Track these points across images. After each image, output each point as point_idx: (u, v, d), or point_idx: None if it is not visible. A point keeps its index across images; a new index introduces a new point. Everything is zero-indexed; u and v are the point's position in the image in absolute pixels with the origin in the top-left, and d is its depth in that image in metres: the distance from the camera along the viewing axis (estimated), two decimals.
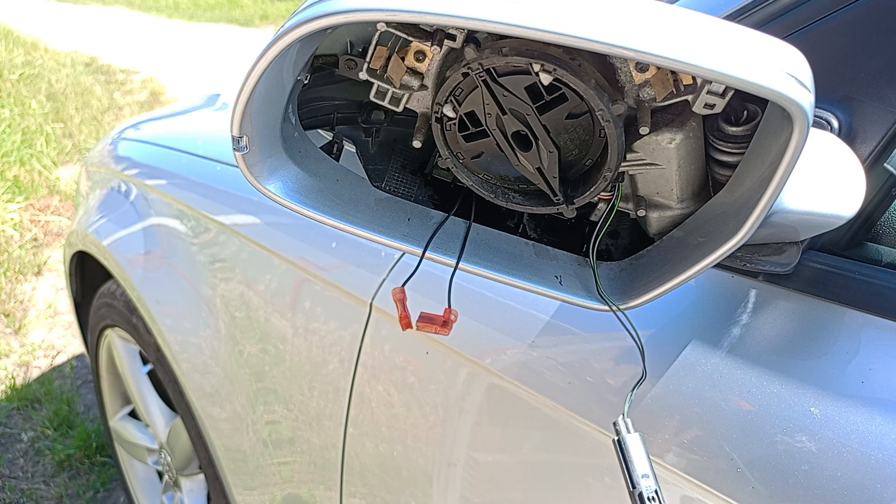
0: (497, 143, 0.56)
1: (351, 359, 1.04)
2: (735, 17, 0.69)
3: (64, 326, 3.05)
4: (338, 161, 0.63)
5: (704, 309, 0.69)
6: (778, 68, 0.42)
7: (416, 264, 0.60)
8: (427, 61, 0.54)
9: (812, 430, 0.57)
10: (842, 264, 0.64)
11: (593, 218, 0.63)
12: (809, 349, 0.62)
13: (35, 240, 3.73)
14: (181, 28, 8.78)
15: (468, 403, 0.87)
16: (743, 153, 0.54)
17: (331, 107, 0.62)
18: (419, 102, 0.59)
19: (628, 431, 0.55)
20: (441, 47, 0.53)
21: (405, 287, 0.60)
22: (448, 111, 0.55)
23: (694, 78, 0.51)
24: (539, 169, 0.56)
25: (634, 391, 0.58)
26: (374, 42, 0.55)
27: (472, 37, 0.53)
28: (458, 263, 0.60)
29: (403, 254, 0.96)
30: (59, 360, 2.88)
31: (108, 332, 1.93)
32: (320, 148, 0.62)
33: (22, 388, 2.70)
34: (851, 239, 0.66)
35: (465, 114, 0.56)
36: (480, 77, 0.53)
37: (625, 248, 0.65)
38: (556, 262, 0.62)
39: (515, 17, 0.41)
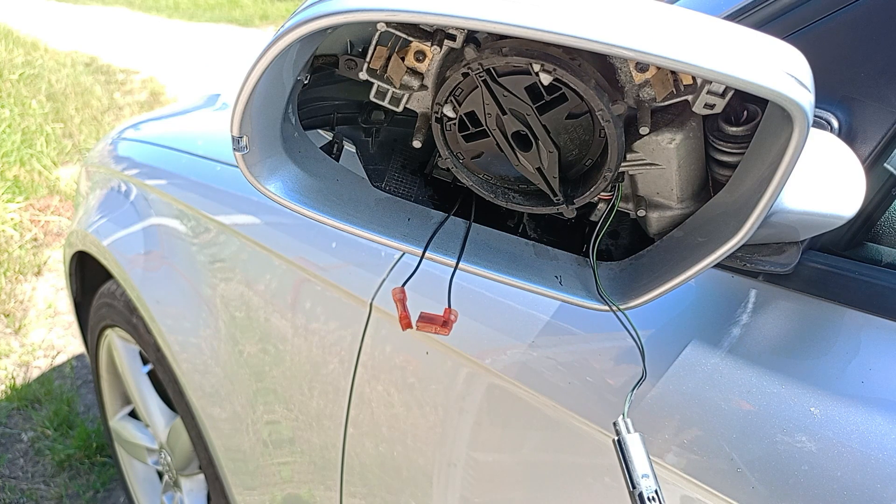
0: (497, 144, 0.56)
1: (351, 359, 1.04)
2: (735, 17, 0.69)
3: (64, 326, 3.05)
4: (338, 161, 0.63)
5: (704, 309, 0.69)
6: (778, 68, 0.42)
7: (416, 264, 0.60)
8: (427, 61, 0.54)
9: (812, 430, 0.57)
10: (842, 264, 0.64)
11: (593, 218, 0.63)
12: (809, 349, 0.62)
13: (35, 240, 3.73)
14: (181, 28, 8.78)
15: (468, 403, 0.87)
16: (743, 153, 0.54)
17: (331, 107, 0.62)
18: (419, 102, 0.58)
19: (628, 431, 0.55)
20: (441, 47, 0.53)
21: (405, 287, 0.60)
22: (448, 111, 0.55)
23: (694, 78, 0.51)
24: (539, 169, 0.56)
25: (634, 391, 0.58)
26: (374, 42, 0.55)
27: (472, 37, 0.53)
28: (457, 263, 0.60)
29: (403, 254, 0.96)
30: (59, 360, 2.88)
31: (108, 332, 1.93)
32: (320, 148, 0.62)
33: (22, 388, 2.70)
34: (851, 239, 0.66)
35: (465, 114, 0.56)
36: (480, 77, 0.53)
37: (625, 248, 0.65)
38: (556, 262, 0.62)
39: (515, 17, 0.41)
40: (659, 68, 0.51)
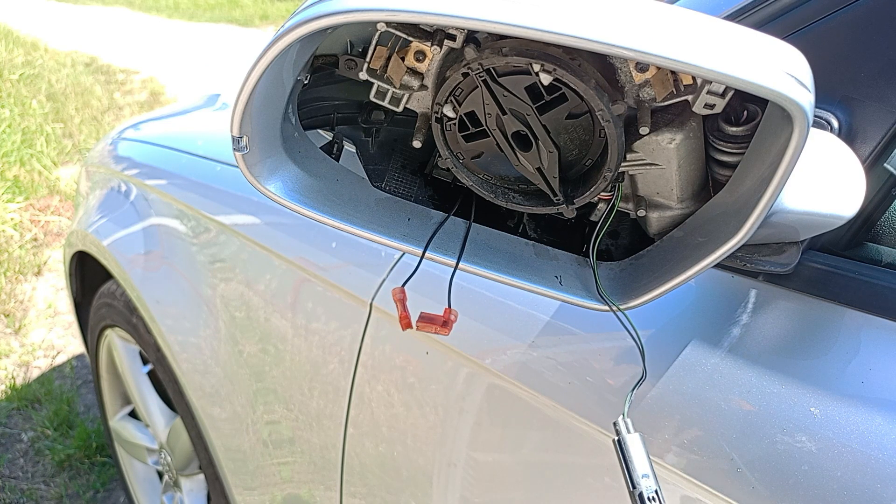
0: (497, 144, 0.56)
1: (351, 359, 1.04)
2: (735, 17, 0.69)
3: (64, 326, 3.05)
4: (338, 161, 0.63)
5: (704, 309, 0.69)
6: (778, 68, 0.42)
7: (416, 264, 0.60)
8: (427, 61, 0.54)
9: (812, 430, 0.57)
10: (842, 264, 0.64)
11: (593, 218, 0.63)
12: (809, 349, 0.62)
13: (35, 240, 3.73)
14: (181, 28, 8.78)
15: (468, 403, 0.87)
16: (743, 153, 0.54)
17: (331, 107, 0.62)
18: (419, 102, 0.58)
19: (628, 431, 0.55)
20: (441, 47, 0.53)
21: (405, 287, 0.60)
22: (448, 111, 0.55)
23: (694, 78, 0.51)
24: (539, 169, 0.56)
25: (634, 391, 0.58)
26: (374, 42, 0.55)
27: (472, 37, 0.53)
28: (458, 263, 0.60)
29: (403, 254, 0.96)
30: (59, 360, 2.88)
31: (108, 332, 1.93)
32: (320, 148, 0.62)
33: (22, 388, 2.70)
34: (851, 239, 0.66)
35: (465, 114, 0.56)
36: (480, 77, 0.53)
37: (625, 248, 0.64)
38: (556, 262, 0.62)
39: (515, 17, 0.41)
40: (659, 68, 0.51)
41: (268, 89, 0.51)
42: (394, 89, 0.56)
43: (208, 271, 1.41)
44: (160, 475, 1.97)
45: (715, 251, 0.52)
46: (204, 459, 1.56)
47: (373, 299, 1.00)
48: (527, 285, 0.61)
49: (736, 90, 0.49)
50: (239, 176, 0.57)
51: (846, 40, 0.64)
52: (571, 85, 0.51)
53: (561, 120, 0.55)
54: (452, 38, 0.53)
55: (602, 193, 0.57)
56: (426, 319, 0.58)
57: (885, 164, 0.63)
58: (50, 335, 3.02)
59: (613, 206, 0.59)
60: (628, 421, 0.56)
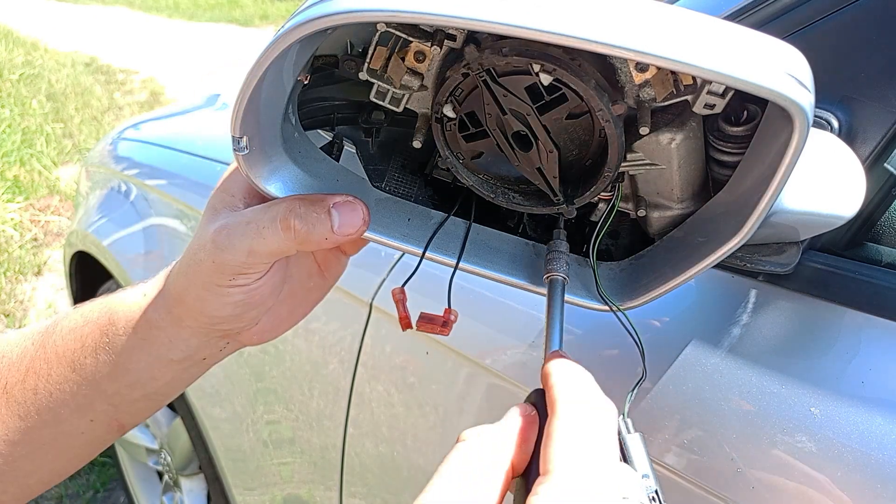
0: (497, 144, 0.56)
1: (351, 359, 1.04)
2: (735, 17, 0.69)
3: None
4: (338, 161, 0.63)
5: (704, 309, 0.69)
6: (778, 68, 0.42)
7: (415, 265, 0.60)
8: (427, 62, 0.54)
9: (812, 430, 0.57)
10: (842, 264, 0.64)
11: (593, 218, 0.63)
12: (809, 349, 0.62)
13: (35, 240, 3.73)
14: (181, 28, 8.79)
15: (468, 403, 0.87)
16: (743, 153, 0.54)
17: (331, 107, 0.62)
18: (419, 103, 0.59)
19: (628, 431, 0.55)
20: (441, 48, 0.53)
21: (405, 287, 0.60)
22: (448, 111, 0.55)
23: (694, 78, 0.51)
24: (539, 169, 0.56)
25: (634, 391, 0.58)
26: (374, 42, 0.55)
27: (472, 37, 0.53)
28: (457, 264, 0.60)
29: (403, 254, 0.96)
30: None
31: None
32: (320, 148, 0.62)
33: None
34: (851, 239, 0.66)
35: (465, 114, 0.56)
36: (480, 77, 0.53)
37: (625, 248, 0.65)
38: None
39: (515, 17, 0.41)
40: (659, 69, 0.51)
41: (268, 90, 0.51)
42: (394, 89, 0.56)
43: None
44: (160, 475, 1.97)
45: (715, 251, 0.52)
46: (204, 459, 1.56)
47: (373, 299, 1.00)
48: (527, 285, 0.61)
49: (736, 90, 0.49)
50: None
51: (846, 40, 0.64)
52: (571, 85, 0.51)
53: (561, 120, 0.55)
54: (452, 38, 0.53)
55: (602, 193, 0.57)
56: (426, 320, 0.58)
57: (885, 164, 0.63)
58: None
59: (613, 206, 0.59)
60: (628, 421, 0.56)
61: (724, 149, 0.54)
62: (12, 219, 3.81)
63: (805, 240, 0.62)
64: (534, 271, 0.61)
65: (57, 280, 3.39)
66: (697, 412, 0.63)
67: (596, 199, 0.60)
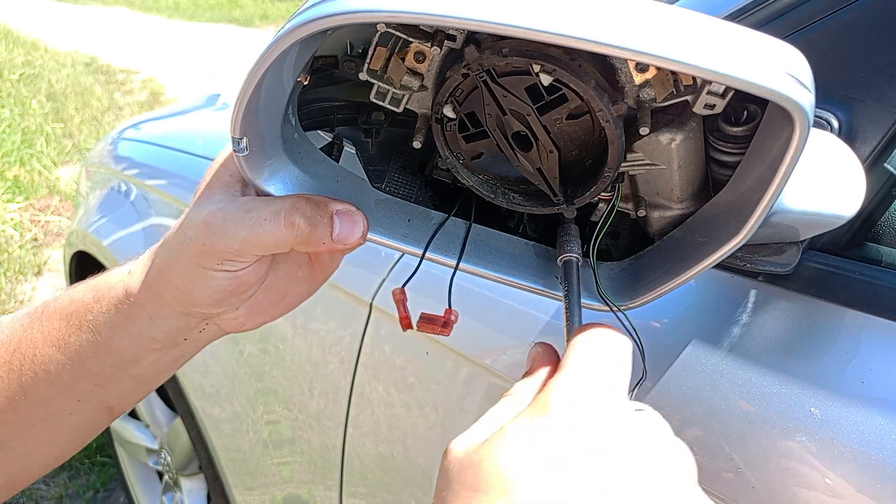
0: (497, 144, 0.56)
1: (351, 359, 1.04)
2: (735, 17, 0.69)
3: None
4: (338, 162, 0.63)
5: (704, 309, 0.69)
6: (778, 68, 0.42)
7: (416, 265, 0.60)
8: (427, 62, 0.54)
9: (812, 430, 0.57)
10: (842, 264, 0.64)
11: (594, 218, 0.63)
12: (809, 349, 0.62)
13: (35, 240, 3.73)
14: (181, 28, 8.78)
15: (468, 403, 0.87)
16: (743, 153, 0.54)
17: (331, 108, 0.62)
18: (419, 103, 0.59)
19: None
20: (441, 48, 0.53)
21: (405, 288, 0.60)
22: (448, 112, 0.55)
23: (694, 78, 0.51)
24: (539, 169, 0.56)
25: (635, 391, 0.58)
26: (374, 43, 0.55)
27: (472, 37, 0.53)
28: (458, 264, 0.60)
29: (403, 254, 0.96)
30: None
31: None
32: (320, 149, 0.62)
33: None
34: (851, 239, 0.66)
35: (465, 114, 0.56)
36: (480, 78, 0.53)
37: (625, 248, 0.64)
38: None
39: (515, 17, 0.41)
40: (659, 69, 0.51)
41: (268, 90, 0.51)
42: (394, 90, 0.56)
43: None
44: (160, 475, 1.97)
45: (715, 251, 0.52)
46: (204, 459, 1.56)
47: (373, 299, 1.00)
48: (527, 285, 0.61)
49: (736, 90, 0.49)
50: None
51: (846, 40, 0.64)
52: (571, 85, 0.51)
53: (561, 120, 0.55)
54: (452, 38, 0.53)
55: (602, 194, 0.57)
56: (426, 320, 0.58)
57: (885, 164, 0.63)
58: None
59: (613, 206, 0.59)
60: None
61: (725, 149, 0.54)
62: (12, 219, 3.81)
63: (805, 240, 0.62)
64: (534, 271, 0.61)
65: (57, 280, 3.39)
66: (697, 412, 0.63)
67: (596, 199, 0.60)
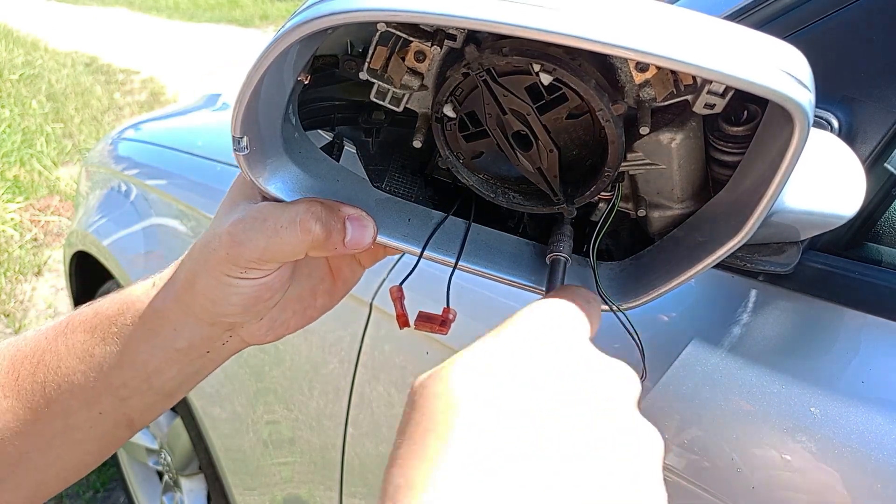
0: (497, 144, 0.56)
1: (351, 359, 1.04)
2: (735, 17, 0.69)
3: None
4: (338, 161, 0.63)
5: (704, 309, 0.69)
6: (778, 68, 0.42)
7: (413, 263, 0.60)
8: (427, 61, 0.54)
9: (812, 430, 0.57)
10: (842, 264, 0.64)
11: (593, 218, 0.63)
12: (809, 349, 0.62)
13: (35, 240, 3.73)
14: (181, 28, 8.79)
15: None
16: (743, 153, 0.54)
17: (331, 107, 0.62)
18: (419, 102, 0.59)
19: None
20: (441, 47, 0.53)
21: (403, 286, 0.60)
22: (448, 111, 0.55)
23: (694, 78, 0.51)
24: (539, 169, 0.56)
25: None
26: (374, 42, 0.55)
27: (472, 37, 0.53)
28: (457, 263, 0.60)
29: (403, 254, 0.96)
30: None
31: None
32: (320, 148, 0.62)
33: None
34: (851, 239, 0.66)
35: (465, 114, 0.56)
36: (481, 77, 0.53)
37: (625, 248, 0.64)
38: None
39: (516, 16, 0.41)
40: (659, 68, 0.51)
41: (268, 90, 0.51)
42: (394, 89, 0.56)
43: None
44: (160, 475, 1.97)
45: (715, 251, 0.52)
46: (204, 459, 1.56)
47: (373, 299, 1.00)
48: (526, 285, 0.61)
49: (736, 90, 0.49)
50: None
51: (846, 40, 0.64)
52: (571, 85, 0.51)
53: (561, 120, 0.55)
54: (453, 38, 0.53)
55: (602, 193, 0.57)
56: (424, 318, 0.58)
57: (885, 164, 0.63)
58: None
59: (613, 205, 0.59)
60: None
61: (725, 149, 0.54)
62: (12, 219, 3.81)
63: (805, 240, 0.62)
64: (534, 271, 0.61)
65: (57, 280, 3.39)
66: (697, 412, 0.63)
67: (596, 199, 0.60)
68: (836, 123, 0.63)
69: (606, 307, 0.59)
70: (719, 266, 0.58)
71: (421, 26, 0.53)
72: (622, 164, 0.55)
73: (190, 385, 0.64)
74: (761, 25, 0.67)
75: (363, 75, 0.56)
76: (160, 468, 1.89)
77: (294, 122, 0.59)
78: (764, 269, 0.62)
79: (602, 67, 0.52)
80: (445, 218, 0.62)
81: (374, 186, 0.62)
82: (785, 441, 0.58)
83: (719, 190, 0.56)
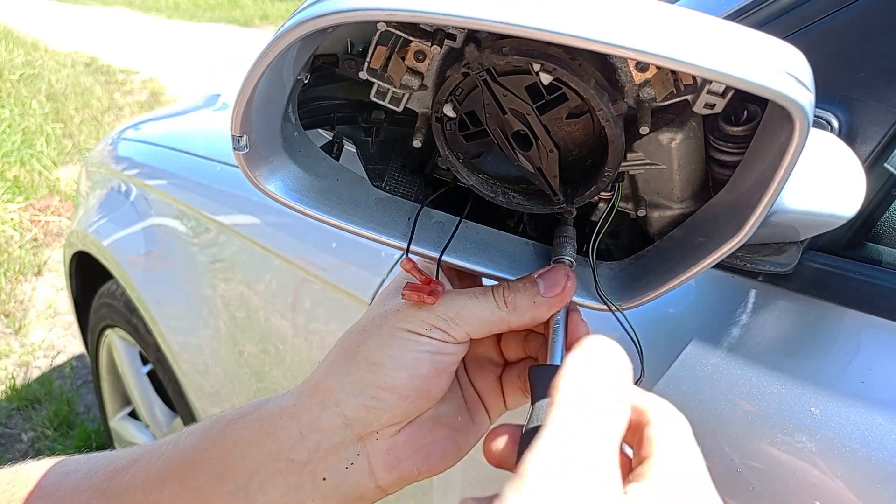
0: (497, 143, 0.56)
1: None
2: (735, 17, 0.69)
3: (64, 326, 3.05)
4: (338, 161, 0.63)
5: (704, 309, 0.69)
6: (778, 68, 0.42)
7: (416, 262, 0.60)
8: (427, 61, 0.54)
9: (812, 430, 0.57)
10: (842, 264, 0.64)
11: (593, 218, 0.63)
12: (809, 349, 0.62)
13: (35, 240, 3.73)
14: (181, 28, 8.79)
15: None
16: (743, 153, 0.54)
17: (331, 106, 0.62)
18: (419, 102, 0.59)
19: None
20: (441, 47, 0.53)
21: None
22: (448, 111, 0.55)
23: (694, 78, 0.51)
24: (539, 169, 0.56)
25: None
26: (374, 42, 0.55)
27: (472, 36, 0.53)
28: (440, 257, 0.59)
29: (403, 253, 0.96)
30: (59, 360, 2.88)
31: (108, 332, 1.93)
32: (320, 147, 0.62)
33: (22, 389, 2.70)
34: (851, 239, 0.66)
35: (465, 113, 0.56)
36: (480, 77, 0.53)
37: (625, 248, 0.64)
38: None
39: (516, 16, 0.41)
40: (659, 68, 0.51)
41: (268, 89, 0.51)
42: (394, 89, 0.56)
43: (208, 271, 1.42)
44: None
45: (715, 251, 0.52)
46: None
47: (373, 299, 1.00)
48: None
49: (736, 90, 0.49)
50: (239, 176, 0.57)
51: (846, 40, 0.64)
52: (571, 84, 0.51)
53: (561, 120, 0.55)
54: (453, 37, 0.53)
55: (602, 193, 0.57)
56: (413, 289, 0.56)
57: (885, 164, 0.63)
58: (50, 335, 3.02)
59: (613, 205, 0.59)
60: None
61: (725, 149, 0.54)
62: (12, 219, 3.81)
63: (805, 240, 0.62)
64: (533, 270, 0.61)
65: (57, 280, 3.39)
66: (697, 412, 0.63)
67: (596, 198, 0.60)
68: (836, 123, 0.63)
69: (605, 307, 0.59)
70: (719, 266, 0.58)
71: (421, 26, 0.53)
72: (622, 164, 0.55)
73: None
74: (761, 25, 0.67)
75: (363, 75, 0.56)
76: None
77: (294, 121, 0.59)
78: (764, 269, 0.62)
79: (602, 67, 0.52)
80: (419, 210, 0.61)
81: (374, 186, 0.62)
82: (785, 441, 0.58)
83: (719, 190, 0.56)
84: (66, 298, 2.93)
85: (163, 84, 6.45)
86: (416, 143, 0.58)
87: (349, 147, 0.64)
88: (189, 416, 1.56)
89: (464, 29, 0.52)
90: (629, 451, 0.43)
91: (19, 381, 2.71)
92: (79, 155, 4.74)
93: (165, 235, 1.56)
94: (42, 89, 5.96)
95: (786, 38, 0.61)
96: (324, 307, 1.12)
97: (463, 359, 0.58)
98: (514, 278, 0.58)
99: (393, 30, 0.53)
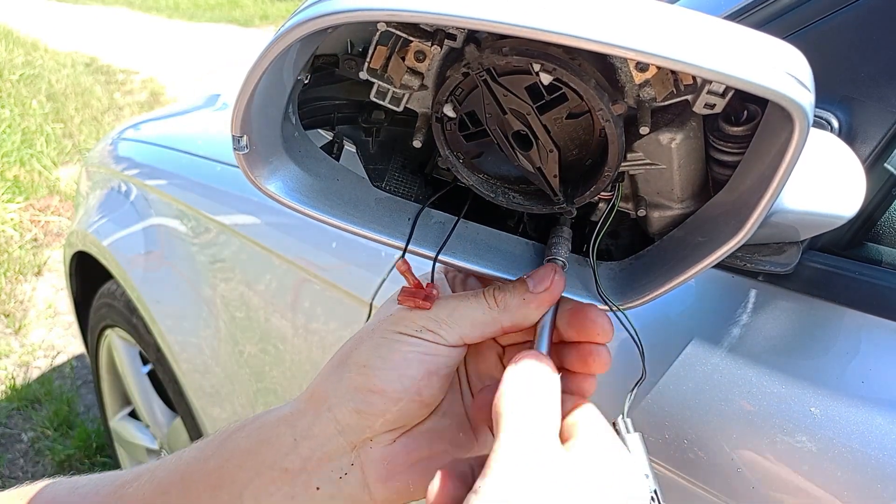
0: (497, 143, 0.56)
1: None
2: (735, 17, 0.69)
3: (64, 326, 3.05)
4: (338, 161, 0.63)
5: (704, 309, 0.69)
6: (778, 68, 0.42)
7: (418, 263, 0.60)
8: (427, 61, 0.54)
9: (812, 430, 0.57)
10: (842, 264, 0.64)
11: (593, 218, 0.63)
12: (809, 349, 0.62)
13: (35, 240, 3.73)
14: (181, 28, 8.79)
15: None
16: (743, 153, 0.54)
17: (331, 106, 0.62)
18: (419, 102, 0.59)
19: (628, 431, 0.55)
20: (441, 47, 0.53)
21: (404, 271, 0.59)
22: (448, 111, 0.55)
23: (694, 78, 0.51)
24: (539, 169, 0.56)
25: (634, 391, 0.58)
26: (374, 42, 0.55)
27: (472, 36, 0.53)
28: (437, 256, 0.59)
29: (403, 253, 0.96)
30: (59, 360, 2.88)
31: (108, 332, 1.93)
32: (320, 148, 0.62)
33: (22, 389, 2.70)
34: (851, 239, 0.66)
35: (465, 113, 0.56)
36: (481, 77, 0.53)
37: (625, 248, 0.64)
38: None
39: (516, 16, 0.41)
40: (659, 68, 0.51)
41: (268, 89, 0.51)
42: (394, 89, 0.56)
43: (208, 271, 1.42)
44: None
45: (715, 251, 0.52)
46: None
47: (373, 299, 1.00)
48: None
49: (736, 90, 0.49)
50: (239, 176, 0.57)
51: (846, 40, 0.64)
52: (571, 85, 0.51)
53: (561, 120, 0.55)
54: (453, 37, 0.53)
55: (602, 193, 0.57)
56: (409, 294, 0.57)
57: (885, 164, 0.63)
58: (50, 335, 3.02)
59: (613, 205, 0.59)
60: (628, 421, 0.56)
61: (725, 149, 0.54)
62: (12, 219, 3.81)
63: (805, 240, 0.62)
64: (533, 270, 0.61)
65: (57, 280, 3.39)
66: (697, 412, 0.63)
67: (596, 198, 0.60)
68: (836, 123, 0.63)
69: (606, 307, 0.59)
70: (719, 266, 0.58)
71: (421, 26, 0.53)
72: (622, 164, 0.55)
73: None
74: (761, 25, 0.67)
75: (363, 75, 0.56)
76: None
77: (294, 121, 0.59)
78: (764, 269, 0.62)
79: (602, 67, 0.52)
80: (421, 211, 0.61)
81: (374, 186, 0.62)
82: (785, 441, 0.58)
83: (719, 190, 0.56)
84: (66, 298, 2.93)
85: (163, 84, 6.45)
86: (417, 144, 0.58)
87: (349, 147, 0.64)
88: (189, 416, 1.56)
89: (464, 29, 0.52)
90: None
91: (19, 381, 2.71)
92: (79, 155, 4.74)
93: (165, 235, 1.56)
94: (42, 89, 5.96)
95: (786, 38, 0.61)
96: (324, 307, 1.12)
97: (468, 376, 0.59)
98: (514, 278, 0.58)
99: (393, 30, 0.53)
